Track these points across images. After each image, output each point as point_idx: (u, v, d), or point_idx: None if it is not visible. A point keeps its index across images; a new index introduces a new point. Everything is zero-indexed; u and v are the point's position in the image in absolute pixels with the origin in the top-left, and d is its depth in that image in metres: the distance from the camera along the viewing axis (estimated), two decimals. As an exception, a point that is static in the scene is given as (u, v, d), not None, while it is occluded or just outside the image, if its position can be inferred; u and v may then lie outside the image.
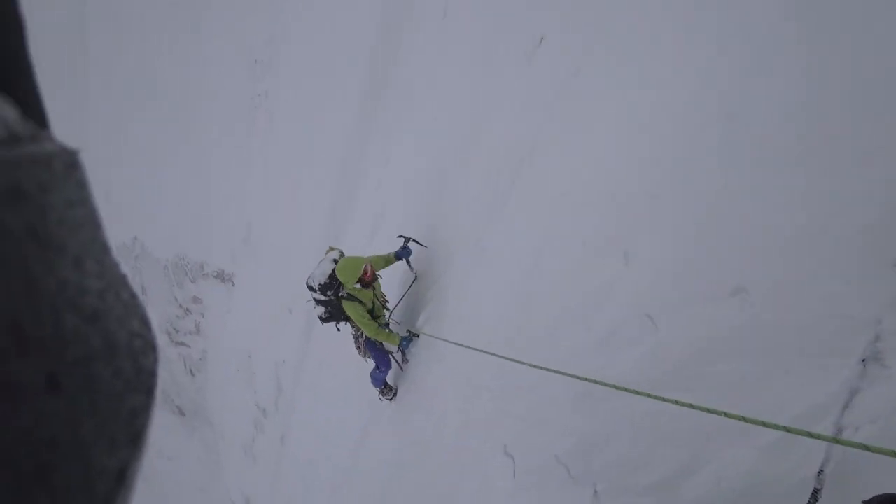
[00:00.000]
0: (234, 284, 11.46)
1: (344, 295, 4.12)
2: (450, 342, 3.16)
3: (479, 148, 4.16)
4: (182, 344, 13.55)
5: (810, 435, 0.88)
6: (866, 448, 0.84)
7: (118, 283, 0.24)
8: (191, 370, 13.54)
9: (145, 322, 0.25)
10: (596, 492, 1.92)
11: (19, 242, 0.17)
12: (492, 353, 2.37)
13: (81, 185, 0.23)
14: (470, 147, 4.31)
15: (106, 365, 0.20)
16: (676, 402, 1.09)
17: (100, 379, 0.19)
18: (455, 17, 5.14)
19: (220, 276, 11.84)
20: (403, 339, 4.35)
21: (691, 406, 1.01)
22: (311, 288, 4.15)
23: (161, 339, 14.16)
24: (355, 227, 7.10)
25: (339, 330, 4.68)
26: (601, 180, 2.47)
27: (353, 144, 7.61)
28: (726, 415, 0.91)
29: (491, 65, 4.32)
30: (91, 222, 0.23)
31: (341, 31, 7.66)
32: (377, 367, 4.57)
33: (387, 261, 4.41)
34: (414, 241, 4.40)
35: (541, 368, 1.91)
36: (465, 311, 3.57)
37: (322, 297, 4.17)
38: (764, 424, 0.86)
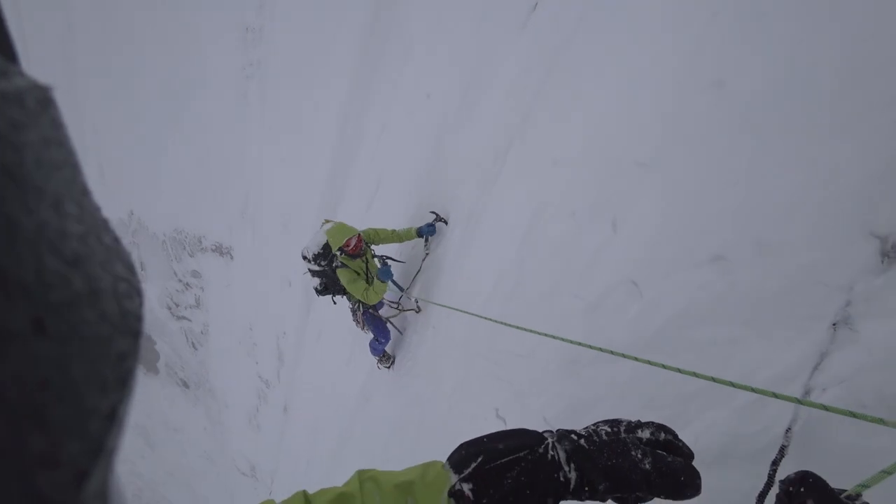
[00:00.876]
0: (232, 258, 11.51)
1: (338, 265, 4.16)
2: (446, 307, 3.21)
3: (472, 119, 4.13)
4: (183, 318, 13.70)
5: (778, 396, 0.93)
6: (825, 408, 0.88)
7: (99, 226, 0.23)
8: (193, 343, 13.73)
9: (129, 266, 0.24)
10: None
11: None
12: (486, 318, 2.42)
13: (57, 125, 0.22)
14: (464, 118, 4.28)
15: (91, 308, 0.19)
16: (670, 368, 1.13)
17: (86, 322, 0.19)
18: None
19: (219, 250, 11.89)
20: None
21: (679, 370, 1.06)
22: (305, 258, 4.19)
23: (162, 314, 14.30)
24: (352, 198, 7.09)
25: (335, 303, 4.74)
26: (590, 149, 2.48)
27: (348, 114, 7.51)
28: (714, 379, 0.95)
29: (484, 36, 4.25)
30: (69, 164, 0.22)
31: (333, -2, 7.47)
32: (376, 338, 4.66)
33: (400, 237, 4.38)
34: (444, 221, 4.30)
35: (529, 331, 1.96)
36: (459, 280, 3.62)
37: (316, 268, 4.21)
38: (751, 389, 0.91)
